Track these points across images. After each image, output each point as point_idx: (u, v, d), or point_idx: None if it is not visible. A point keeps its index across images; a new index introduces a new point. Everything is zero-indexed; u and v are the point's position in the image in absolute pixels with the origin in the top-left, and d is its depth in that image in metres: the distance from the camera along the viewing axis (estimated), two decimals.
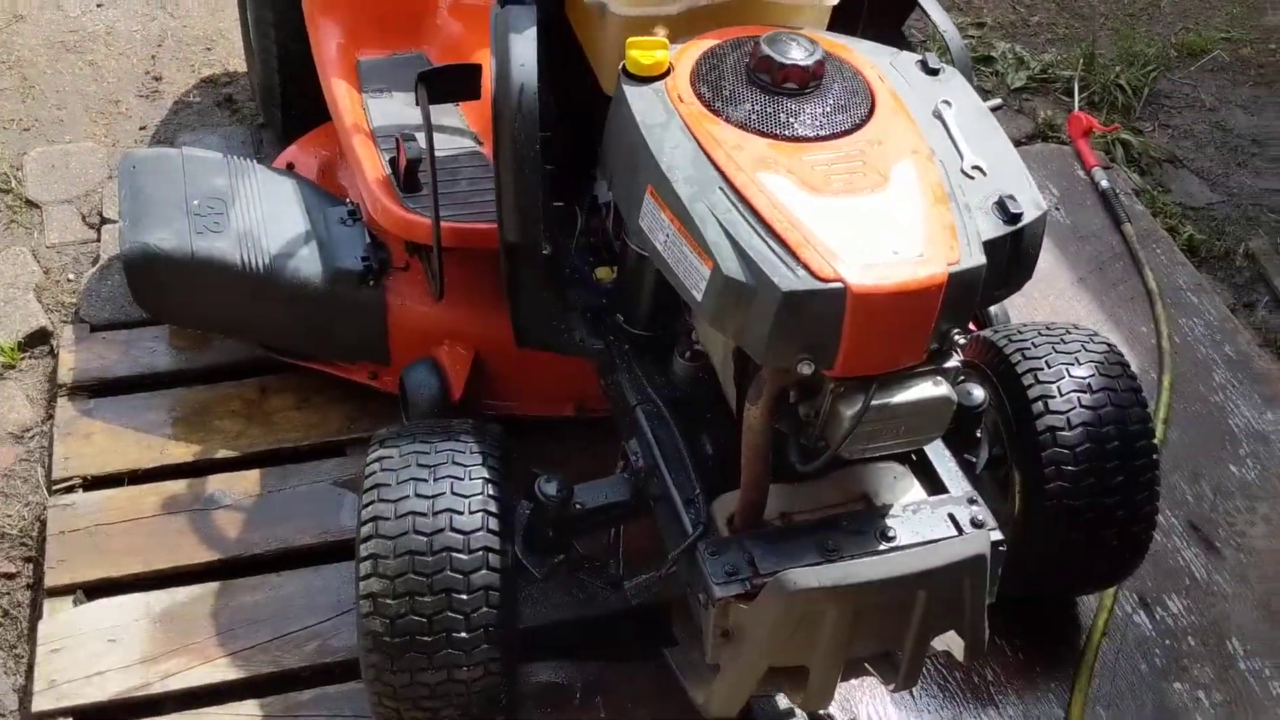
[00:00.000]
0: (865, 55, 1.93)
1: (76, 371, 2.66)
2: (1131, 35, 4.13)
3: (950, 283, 1.63)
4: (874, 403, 1.68)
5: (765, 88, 1.79)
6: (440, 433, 1.98)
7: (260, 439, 2.56)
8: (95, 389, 2.65)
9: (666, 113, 1.79)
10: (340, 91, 2.61)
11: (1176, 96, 4.00)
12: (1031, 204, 1.78)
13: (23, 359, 2.76)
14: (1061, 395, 2.09)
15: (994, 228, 1.73)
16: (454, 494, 1.86)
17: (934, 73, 1.94)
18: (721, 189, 1.69)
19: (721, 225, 1.66)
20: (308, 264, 2.46)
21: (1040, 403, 2.10)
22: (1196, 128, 3.88)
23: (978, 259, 1.67)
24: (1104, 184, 3.35)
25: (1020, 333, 2.23)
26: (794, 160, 1.72)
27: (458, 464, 1.90)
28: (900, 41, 2.21)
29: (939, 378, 1.72)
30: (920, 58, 1.95)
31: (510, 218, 1.95)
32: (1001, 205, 1.74)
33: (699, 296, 1.69)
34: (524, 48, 1.90)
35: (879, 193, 1.70)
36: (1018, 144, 3.65)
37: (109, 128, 3.39)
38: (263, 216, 2.52)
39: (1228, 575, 2.47)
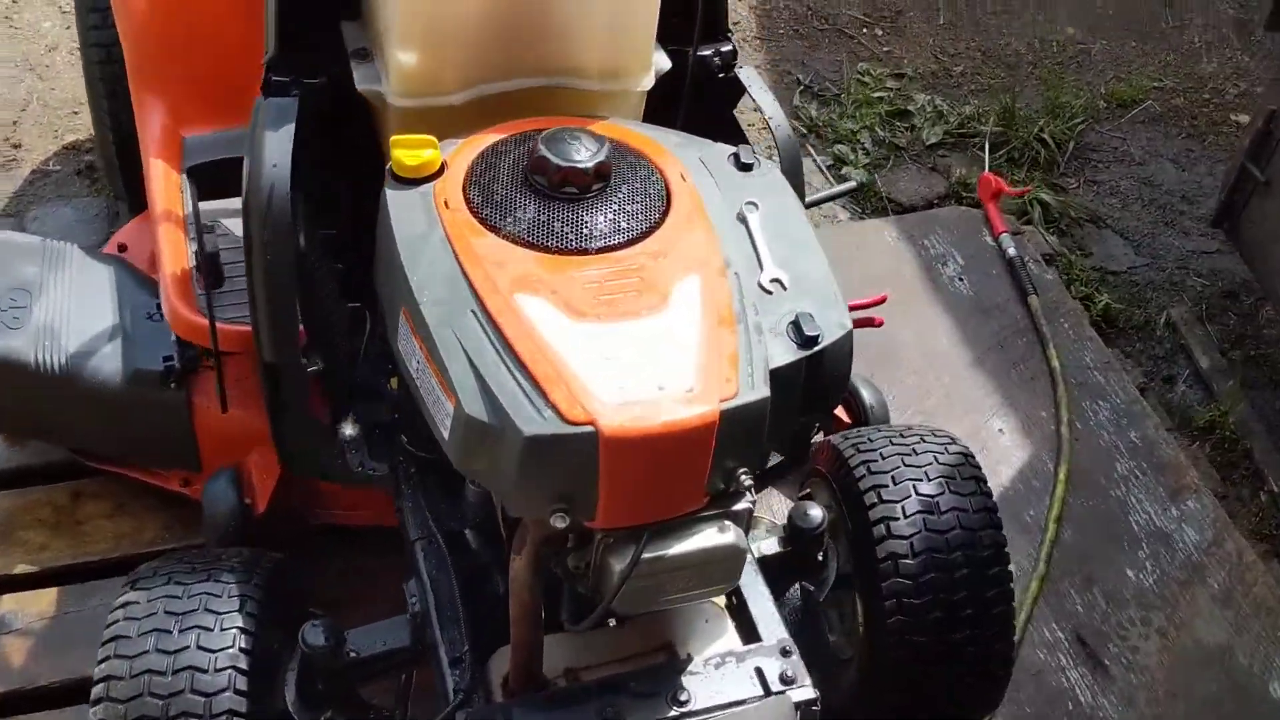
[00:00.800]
0: (672, 150, 1.74)
1: None
2: (1059, 85, 3.93)
3: (725, 421, 1.43)
4: (646, 555, 1.48)
5: (541, 192, 1.59)
6: (201, 570, 1.77)
7: (65, 551, 2.35)
8: None
9: (428, 222, 1.59)
10: (156, 173, 2.42)
11: (1104, 150, 3.80)
12: (834, 324, 1.58)
13: None
14: (905, 517, 1.88)
15: (786, 352, 1.54)
16: (199, 648, 1.65)
17: (747, 168, 1.74)
18: (474, 313, 1.49)
19: (468, 356, 1.46)
20: (108, 363, 2.26)
21: (882, 525, 1.88)
22: (1123, 184, 3.68)
23: (760, 392, 1.47)
24: (1011, 251, 3.14)
25: (870, 440, 2.02)
26: (560, 278, 1.52)
27: (210, 610, 1.69)
28: (729, 131, 2.01)
29: (725, 523, 1.52)
30: (735, 150, 1.76)
31: (264, 334, 1.75)
32: (797, 326, 1.54)
33: (445, 435, 1.49)
34: (277, 146, 1.70)
35: (653, 316, 1.50)
36: (928, 205, 3.48)
37: None
38: (68, 310, 2.32)
39: (1115, 699, 2.25)
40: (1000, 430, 2.71)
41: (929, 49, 4.11)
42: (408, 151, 1.63)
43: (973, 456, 1.99)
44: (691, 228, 1.61)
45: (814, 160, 3.48)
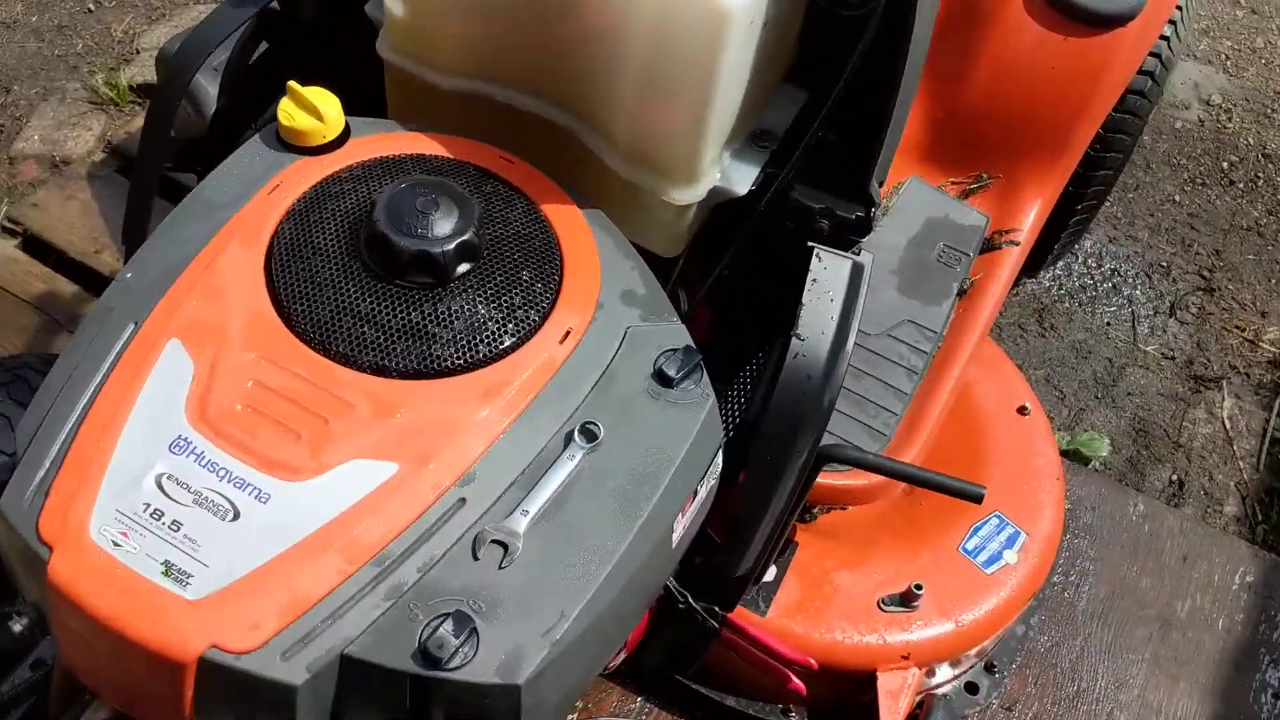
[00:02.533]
0: (605, 325, 1.19)
1: None
2: None
3: (208, 674, 0.96)
4: None
5: (364, 271, 1.13)
6: None
7: None
8: None
9: (234, 196, 1.20)
10: None
11: None
12: (504, 659, 1.01)
13: None
14: None
15: (395, 649, 1.00)
16: None
17: (666, 382, 1.16)
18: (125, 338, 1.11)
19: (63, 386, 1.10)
20: None
21: None
22: None
23: (287, 672, 0.96)
24: None
25: None
26: (251, 366, 1.08)
27: None
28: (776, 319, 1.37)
29: None
30: (676, 349, 1.17)
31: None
32: (445, 628, 1.00)
33: None
34: (218, 25, 1.36)
35: (283, 480, 1.03)
36: None
37: None
38: None
39: None
40: None
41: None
42: (294, 106, 1.24)
43: None
44: (494, 408, 1.09)
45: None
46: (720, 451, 1.17)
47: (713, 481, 1.18)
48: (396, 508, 1.03)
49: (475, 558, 1.03)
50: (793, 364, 1.22)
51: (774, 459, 1.25)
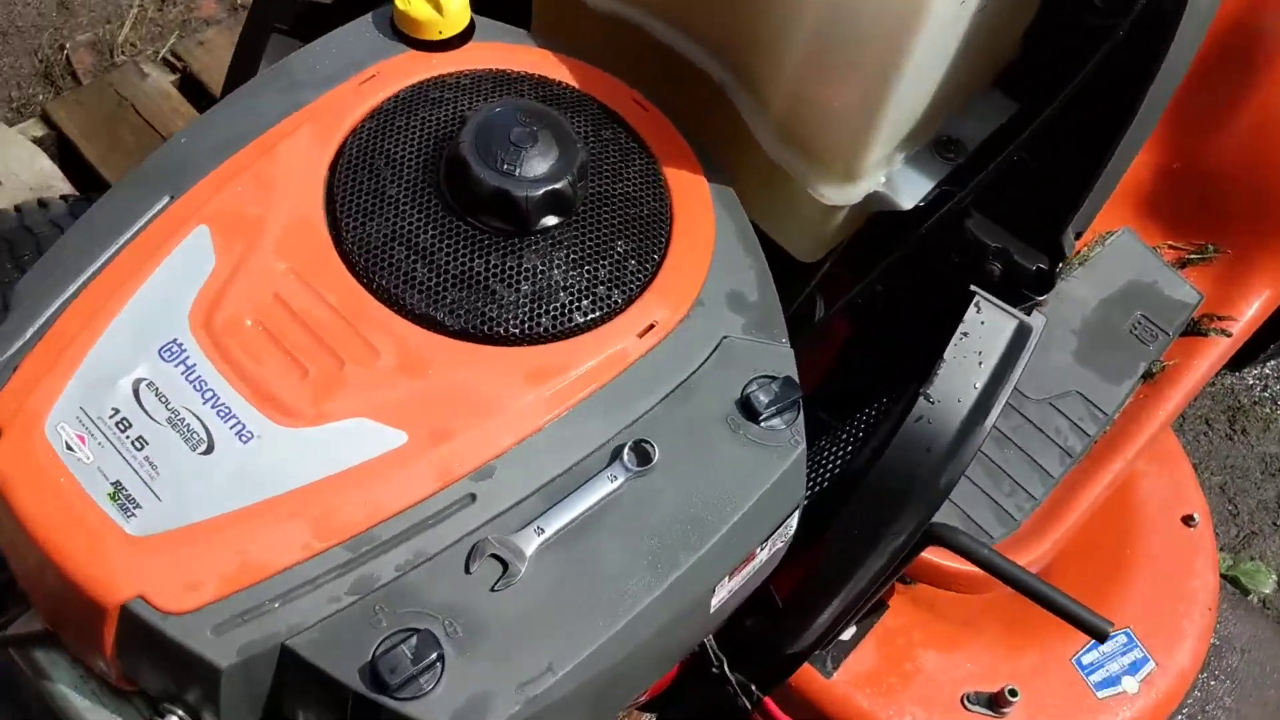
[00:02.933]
0: (701, 324, 0.99)
1: None
2: None
3: (127, 623, 0.81)
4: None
5: (440, 204, 0.96)
6: None
7: None
8: None
9: (309, 87, 1.04)
10: None
11: None
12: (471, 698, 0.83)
13: None
14: None
15: (345, 655, 0.83)
16: None
17: (751, 415, 0.95)
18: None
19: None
20: None
21: None
22: None
23: (215, 649, 0.80)
24: None
25: None
26: (288, 282, 0.92)
27: None
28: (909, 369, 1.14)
29: None
30: (765, 378, 0.96)
31: None
32: (406, 647, 0.82)
33: None
34: None
35: (280, 425, 0.87)
36: None
37: None
38: None
39: None
40: None
41: None
42: None
43: None
44: (538, 395, 0.91)
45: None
46: (797, 513, 0.97)
47: (780, 544, 0.98)
48: (392, 487, 0.86)
49: (467, 570, 0.85)
50: (913, 428, 1.00)
51: (865, 534, 1.04)
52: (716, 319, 0.98)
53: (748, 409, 0.94)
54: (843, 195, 1.05)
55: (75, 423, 0.86)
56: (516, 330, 0.92)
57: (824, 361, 1.38)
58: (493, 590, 0.85)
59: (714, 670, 1.14)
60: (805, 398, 1.33)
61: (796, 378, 0.96)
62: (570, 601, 0.85)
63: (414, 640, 0.81)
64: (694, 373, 0.95)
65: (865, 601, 1.11)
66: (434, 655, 0.81)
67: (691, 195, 1.03)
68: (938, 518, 1.17)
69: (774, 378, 0.95)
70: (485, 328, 0.92)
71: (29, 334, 0.89)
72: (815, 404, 1.31)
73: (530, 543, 0.87)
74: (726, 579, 0.93)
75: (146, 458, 0.85)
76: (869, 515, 1.02)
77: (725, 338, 0.97)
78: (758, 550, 0.94)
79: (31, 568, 0.86)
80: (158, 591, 0.81)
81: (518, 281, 0.93)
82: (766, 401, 0.94)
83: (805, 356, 1.39)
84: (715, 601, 0.94)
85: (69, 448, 0.85)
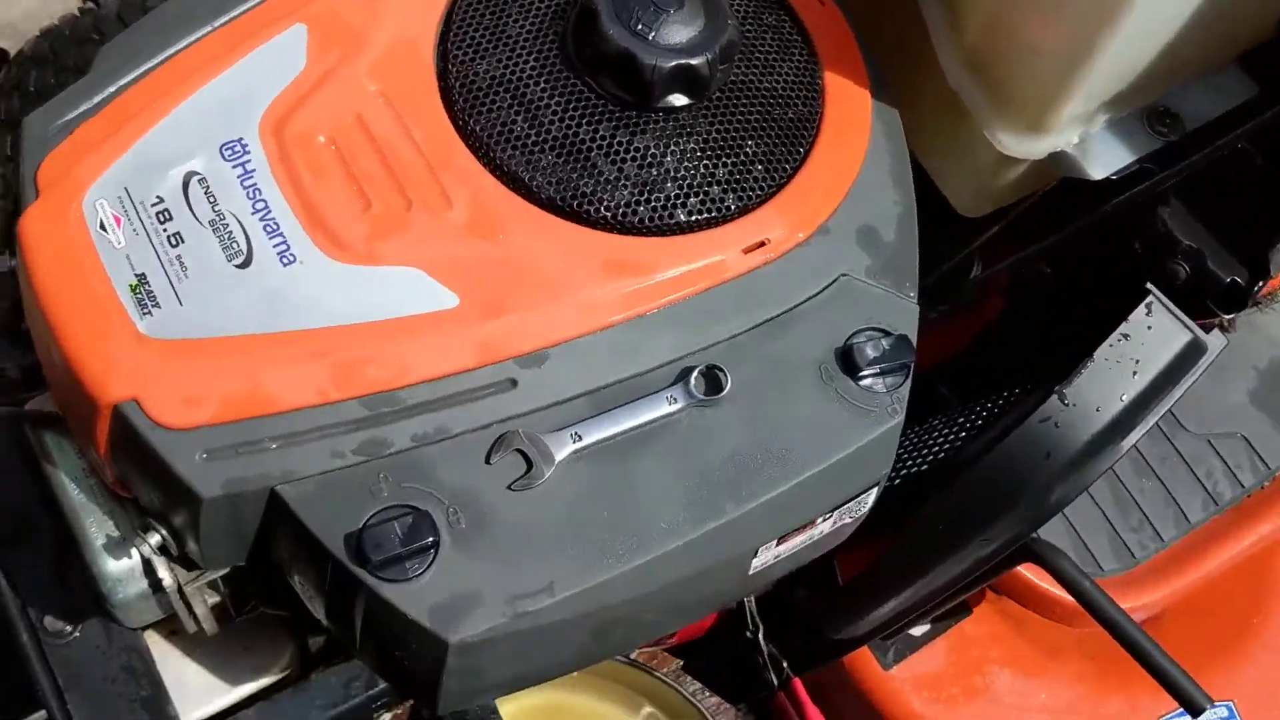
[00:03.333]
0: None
1: None
2: None
3: (119, 424, 0.75)
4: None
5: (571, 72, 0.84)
6: None
7: None
8: None
9: None
10: None
11: None
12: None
13: None
14: None
15: (326, 531, 0.75)
16: None
17: (851, 370, 0.82)
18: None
19: None
20: None
21: None
22: None
23: (203, 477, 0.74)
24: None
25: None
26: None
27: None
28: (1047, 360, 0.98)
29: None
30: (875, 330, 0.83)
31: None
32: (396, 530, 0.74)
33: None
34: None
35: (346, 261, 0.78)
36: None
37: None
38: None
39: None
40: None
41: None
42: None
43: None
44: (613, 290, 0.80)
45: None
46: (876, 490, 0.85)
47: (848, 519, 0.86)
48: (429, 350, 0.77)
49: (488, 460, 0.76)
50: (1036, 428, 0.86)
51: (952, 531, 0.91)
52: (839, 252, 0.85)
53: (847, 361, 0.82)
54: (1024, 147, 0.90)
55: (116, 202, 0.79)
56: (608, 214, 0.82)
57: (963, 335, 1.23)
58: (509, 488, 0.76)
59: (748, 634, 1.03)
60: (930, 370, 1.20)
61: (914, 339, 0.83)
62: (589, 522, 0.75)
63: (410, 520, 0.73)
64: (796, 306, 0.83)
65: (937, 604, 0.99)
66: (429, 540, 0.73)
67: (848, 108, 0.90)
68: (1046, 533, 1.03)
69: (887, 333, 0.83)
70: (575, 203, 0.81)
71: (96, 100, 0.83)
72: (940, 377, 1.17)
73: (563, 447, 0.77)
74: (774, 543, 0.81)
75: (179, 256, 0.77)
76: (961, 512, 0.89)
77: (844, 275, 0.85)
78: (819, 520, 0.83)
79: (40, 342, 0.80)
80: (154, 399, 0.74)
81: (624, 160, 0.82)
82: (872, 357, 0.81)
83: (944, 326, 1.25)
84: (757, 564, 0.83)
85: (102, 227, 0.78)
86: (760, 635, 1.03)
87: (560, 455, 0.77)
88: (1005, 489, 0.87)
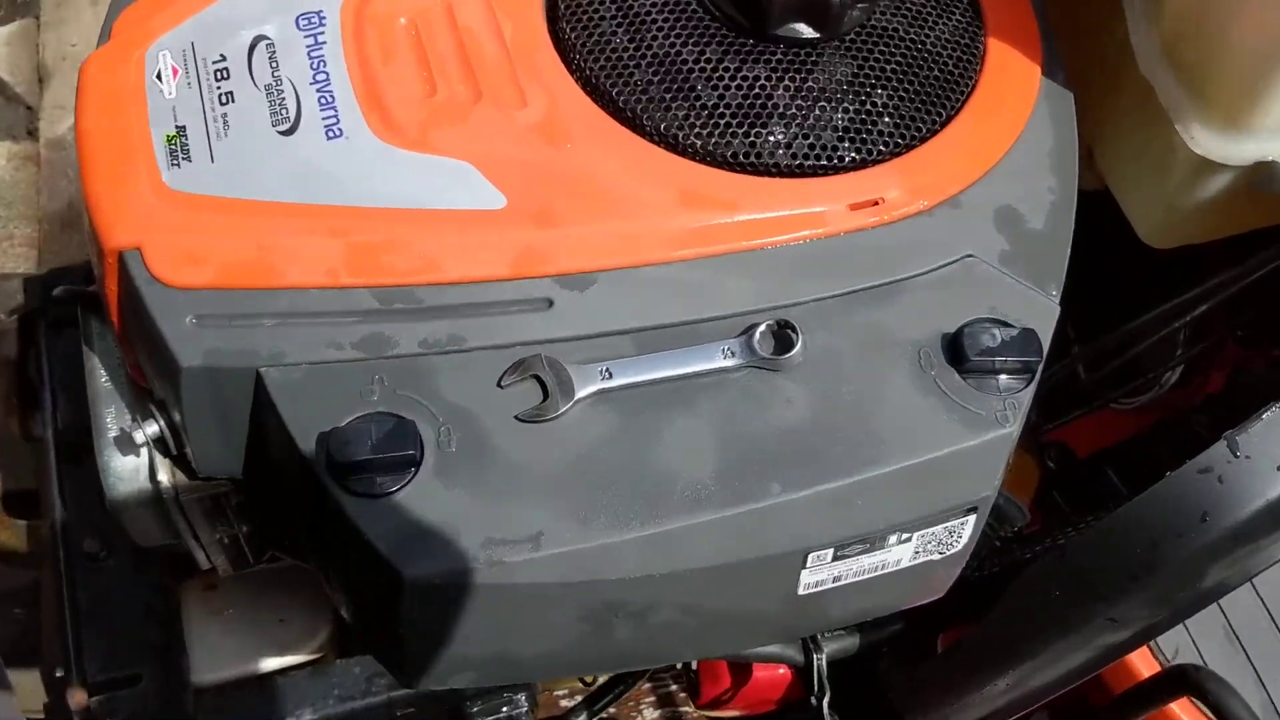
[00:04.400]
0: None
1: None
2: None
3: (126, 297, 0.68)
4: None
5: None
6: None
7: None
8: None
9: None
10: None
11: None
12: None
13: None
14: None
15: (300, 426, 0.64)
16: None
17: (957, 360, 0.67)
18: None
19: None
20: None
21: None
22: None
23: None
24: None
25: None
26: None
27: None
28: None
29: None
30: (994, 322, 0.67)
31: None
32: None
33: None
34: None
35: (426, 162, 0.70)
36: None
37: None
38: None
39: None
40: None
41: None
42: None
43: None
44: (687, 223, 0.68)
45: None
46: (972, 520, 0.68)
47: (934, 554, 0.69)
48: (460, 249, 0.67)
49: (500, 384, 0.65)
50: (1192, 481, 0.68)
51: (1066, 608, 0.73)
52: (968, 229, 0.71)
53: (955, 349, 0.67)
54: (1224, 148, 0.73)
55: (179, 55, 0.74)
56: (697, 140, 0.70)
57: (1146, 416, 1.04)
58: (517, 418, 0.64)
59: (811, 699, 0.86)
60: (1100, 453, 1.02)
61: (1042, 343, 0.67)
62: (600, 473, 0.63)
63: (390, 427, 0.62)
64: (905, 279, 0.69)
65: (1048, 698, 0.79)
66: (408, 454, 0.62)
67: (1010, 80, 0.76)
68: (1214, 658, 0.83)
69: (1010, 326, 0.67)
70: (660, 124, 0.71)
71: None
72: (1108, 462, 0.99)
73: (589, 383, 0.65)
74: (830, 555, 0.66)
75: (224, 115, 0.71)
76: (1082, 576, 0.71)
77: (969, 256, 0.70)
78: (891, 539, 0.67)
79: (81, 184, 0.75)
80: (157, 250, 0.67)
81: (725, 85, 0.71)
82: (986, 347, 0.66)
83: (1131, 413, 1.07)
84: (808, 581, 0.67)
85: (159, 77, 0.73)
86: (824, 703, 0.85)
87: (583, 391, 0.65)
88: (1141, 553, 0.68)
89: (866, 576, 0.69)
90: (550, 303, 0.67)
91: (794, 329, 0.66)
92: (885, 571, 0.69)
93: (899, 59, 0.74)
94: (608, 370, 0.65)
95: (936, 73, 0.74)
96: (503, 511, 0.62)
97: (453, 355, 0.66)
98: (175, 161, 0.70)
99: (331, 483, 0.62)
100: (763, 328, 0.66)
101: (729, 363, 0.66)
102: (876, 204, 0.70)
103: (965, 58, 0.76)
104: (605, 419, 0.64)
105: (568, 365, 0.65)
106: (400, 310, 0.66)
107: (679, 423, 0.64)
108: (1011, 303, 0.69)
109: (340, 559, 0.66)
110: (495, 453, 0.63)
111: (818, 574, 0.67)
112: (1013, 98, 0.76)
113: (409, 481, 0.62)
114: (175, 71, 0.73)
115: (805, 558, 0.66)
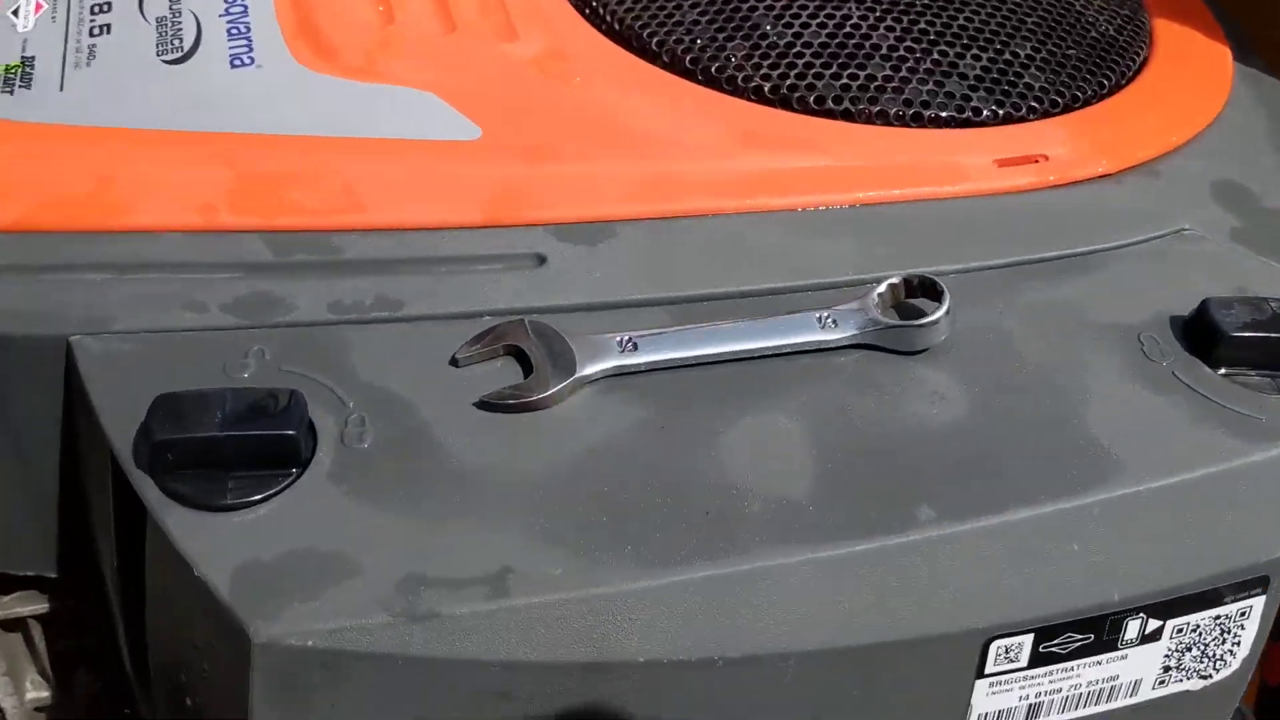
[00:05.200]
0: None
1: None
2: None
3: None
4: None
5: None
6: None
7: None
8: None
9: None
10: None
11: None
12: None
13: None
14: None
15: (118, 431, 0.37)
16: None
17: (1204, 351, 0.41)
18: None
19: None
20: None
21: None
22: None
23: None
24: None
25: None
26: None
27: None
28: None
29: None
30: (1253, 299, 0.41)
31: None
32: None
33: None
34: None
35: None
36: None
37: None
38: None
39: None
40: None
41: None
42: None
43: None
44: (752, 166, 0.44)
45: None
46: (1261, 599, 0.39)
47: (1191, 678, 0.40)
48: (410, 186, 0.44)
49: (454, 361, 0.39)
50: None
51: None
52: (1177, 201, 0.48)
53: (1199, 333, 0.41)
54: None
55: None
56: (790, 83, 0.49)
57: None
58: (480, 404, 0.38)
59: None
60: None
61: None
62: (612, 485, 0.36)
63: (258, 400, 0.36)
64: (1093, 251, 0.45)
65: None
66: (285, 441, 0.35)
67: (1193, 47, 0.56)
68: None
69: (1269, 301, 0.42)
70: (714, 68, 0.49)
71: None
72: None
73: (600, 358, 0.39)
74: (1025, 643, 0.37)
75: (92, 46, 0.50)
76: None
77: (1185, 230, 0.46)
78: (1128, 629, 0.38)
79: None
80: None
81: (806, 24, 0.51)
82: (1248, 321, 0.41)
83: None
84: (985, 698, 0.38)
85: (15, 13, 0.53)
86: None
87: (590, 369, 0.39)
88: None
89: (1080, 714, 0.39)
90: (541, 259, 0.43)
91: (938, 288, 0.41)
92: (1113, 706, 0.39)
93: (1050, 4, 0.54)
94: (631, 341, 0.40)
95: (1100, 33, 0.54)
96: (443, 538, 0.34)
97: (379, 325, 0.40)
98: (8, 89, 0.48)
99: (148, 490, 0.35)
100: (883, 288, 0.41)
101: (829, 335, 0.40)
102: (1036, 160, 0.47)
103: (1133, 22, 0.56)
104: (625, 409, 0.38)
105: (566, 335, 0.40)
106: (303, 263, 0.42)
107: (747, 420, 0.38)
108: (1266, 282, 0.44)
109: (160, 612, 0.37)
110: (438, 451, 0.36)
111: (1005, 687, 0.38)
112: (1202, 71, 0.55)
113: (284, 487, 0.35)
114: (39, 7, 0.53)
115: (986, 647, 0.37)
